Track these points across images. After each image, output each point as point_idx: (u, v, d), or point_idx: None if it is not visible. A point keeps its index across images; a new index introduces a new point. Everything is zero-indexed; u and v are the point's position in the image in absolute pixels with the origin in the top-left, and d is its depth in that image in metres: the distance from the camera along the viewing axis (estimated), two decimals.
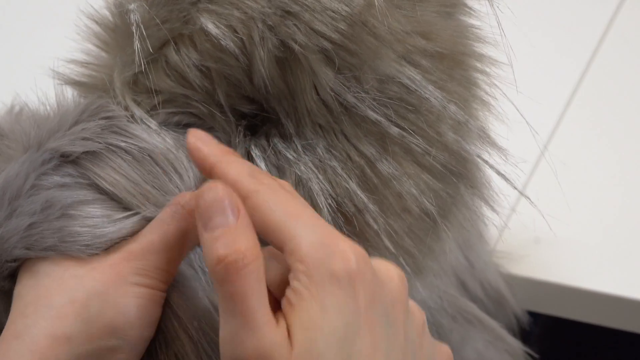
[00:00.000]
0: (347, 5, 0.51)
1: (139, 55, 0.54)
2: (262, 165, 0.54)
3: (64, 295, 0.50)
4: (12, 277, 0.53)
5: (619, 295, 0.80)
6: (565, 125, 0.96)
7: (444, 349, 0.51)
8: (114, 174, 0.53)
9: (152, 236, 0.52)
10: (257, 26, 0.51)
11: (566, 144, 0.94)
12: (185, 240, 0.52)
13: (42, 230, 0.51)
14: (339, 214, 0.53)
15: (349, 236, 0.52)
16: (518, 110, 0.56)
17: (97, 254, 0.51)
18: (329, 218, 0.53)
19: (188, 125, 0.56)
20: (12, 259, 0.52)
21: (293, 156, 0.53)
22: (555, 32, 1.09)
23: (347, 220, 0.53)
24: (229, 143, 0.55)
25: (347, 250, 0.45)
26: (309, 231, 0.45)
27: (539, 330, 0.87)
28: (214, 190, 0.46)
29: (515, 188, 0.58)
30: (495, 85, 0.56)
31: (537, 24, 1.07)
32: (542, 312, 0.85)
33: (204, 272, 0.54)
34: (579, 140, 0.95)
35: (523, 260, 0.82)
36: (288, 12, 0.51)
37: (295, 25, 0.51)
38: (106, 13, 0.57)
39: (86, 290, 0.50)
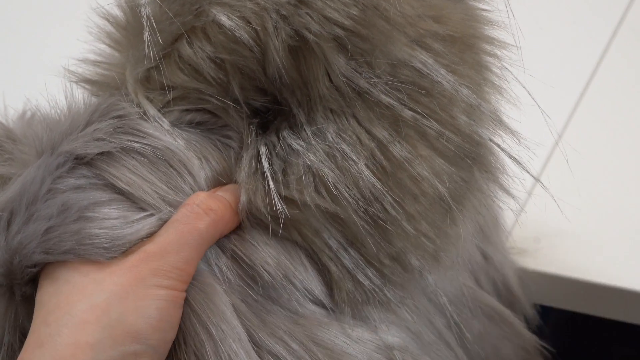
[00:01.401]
0: None
1: (150, 50, 0.54)
2: (266, 164, 0.54)
3: (84, 302, 0.50)
4: (33, 282, 0.53)
5: (632, 289, 0.80)
6: (581, 111, 0.96)
7: None
8: (129, 174, 0.53)
9: (169, 236, 0.52)
10: (271, 16, 0.51)
11: (582, 131, 0.93)
12: (202, 239, 0.53)
13: (59, 234, 0.51)
14: (353, 199, 0.53)
15: (370, 220, 0.53)
16: (529, 93, 0.56)
17: (115, 257, 0.52)
18: (345, 203, 0.53)
19: (201, 124, 0.56)
20: (32, 264, 0.52)
21: (302, 146, 0.53)
22: (572, 16, 1.09)
23: (366, 202, 0.53)
24: (241, 142, 0.56)
25: None
26: None
27: (552, 324, 0.87)
28: None
29: (528, 172, 0.58)
30: (507, 68, 0.56)
31: (555, 8, 1.07)
32: (555, 306, 0.85)
33: (221, 270, 0.54)
34: (595, 128, 0.95)
35: (535, 253, 0.82)
36: (301, 1, 0.51)
37: (308, 14, 0.51)
38: (117, 11, 0.57)
39: (106, 295, 0.50)
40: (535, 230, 0.81)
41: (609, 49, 1.04)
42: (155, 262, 0.51)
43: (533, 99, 0.57)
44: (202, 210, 0.53)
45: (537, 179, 0.58)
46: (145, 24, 0.54)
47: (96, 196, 0.53)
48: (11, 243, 0.52)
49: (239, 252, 0.54)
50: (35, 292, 0.53)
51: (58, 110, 0.57)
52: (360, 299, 0.55)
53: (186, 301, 0.52)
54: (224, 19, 0.52)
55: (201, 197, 0.53)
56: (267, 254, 0.54)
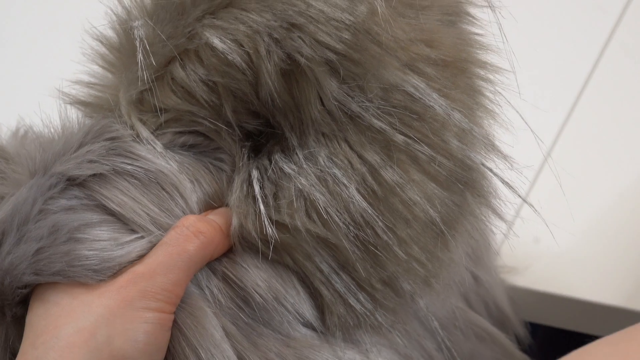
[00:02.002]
0: (350, 14, 0.51)
1: (143, 72, 0.54)
2: (257, 188, 0.54)
3: (72, 325, 0.50)
4: (24, 303, 0.53)
5: (619, 306, 0.80)
6: (568, 132, 0.96)
7: None
8: (121, 195, 0.53)
9: (157, 258, 0.52)
10: (263, 40, 0.51)
11: (569, 151, 0.94)
12: (191, 261, 0.53)
13: (49, 255, 0.51)
14: (344, 224, 0.53)
15: (360, 245, 0.53)
16: (522, 118, 0.56)
17: (104, 279, 0.52)
18: (335, 228, 0.53)
19: (193, 146, 0.56)
20: (22, 285, 0.52)
21: (293, 170, 0.53)
22: (558, 39, 1.09)
23: (357, 226, 0.53)
24: (233, 165, 0.56)
25: None
26: None
27: (539, 341, 0.87)
28: None
29: (520, 196, 0.58)
30: (499, 92, 0.56)
31: (541, 31, 1.07)
32: (544, 323, 0.85)
33: (212, 292, 0.54)
34: (582, 148, 0.95)
35: (525, 271, 0.82)
36: (293, 25, 0.51)
37: (300, 37, 0.51)
38: (111, 33, 0.57)
39: (93, 318, 0.50)
40: (524, 251, 0.81)
41: (597, 68, 1.04)
42: (143, 283, 0.51)
43: (526, 122, 0.57)
44: (192, 232, 0.53)
45: (529, 204, 0.58)
46: (138, 46, 0.54)
47: (87, 217, 0.53)
48: (2, 264, 0.52)
49: (230, 275, 0.54)
50: (26, 313, 0.53)
51: (52, 130, 0.57)
52: (351, 323, 0.55)
53: (176, 324, 0.52)
54: (216, 42, 0.52)
55: (191, 220, 0.53)
56: (258, 277, 0.54)
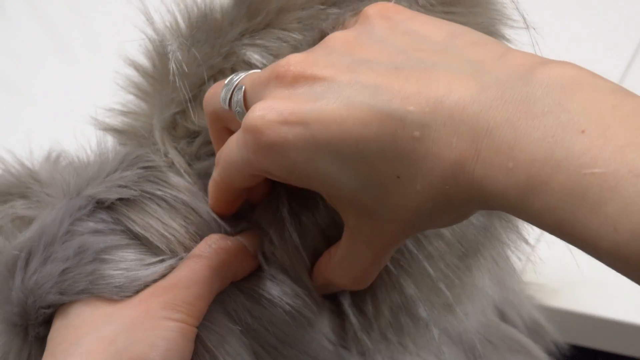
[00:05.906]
0: None
1: (179, 94, 0.54)
2: (284, 210, 0.54)
3: (92, 334, 0.49)
4: (47, 323, 0.53)
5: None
6: None
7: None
8: (147, 218, 0.53)
9: (180, 273, 0.52)
10: None
11: None
12: (213, 277, 0.52)
13: (74, 275, 0.51)
14: None
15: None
16: None
17: (129, 295, 0.52)
18: None
19: None
20: (46, 305, 0.52)
21: None
22: (590, 40, 1.08)
23: None
24: None
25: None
26: None
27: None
28: None
29: None
30: None
31: (572, 32, 1.07)
32: (574, 343, 0.84)
33: (237, 313, 0.54)
34: None
35: (557, 292, 0.81)
36: None
37: None
38: (144, 59, 0.57)
39: (114, 326, 0.50)
40: (549, 275, 0.81)
41: (630, 68, 1.03)
42: (164, 296, 0.51)
43: None
44: (214, 249, 0.53)
45: None
46: (173, 68, 0.54)
47: (114, 240, 0.53)
48: (27, 283, 0.52)
49: (258, 290, 0.55)
50: (48, 333, 0.53)
51: (87, 156, 0.58)
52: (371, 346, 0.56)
53: (201, 342, 0.52)
54: (257, 57, 0.52)
55: (214, 238, 0.54)
56: (287, 293, 0.55)
